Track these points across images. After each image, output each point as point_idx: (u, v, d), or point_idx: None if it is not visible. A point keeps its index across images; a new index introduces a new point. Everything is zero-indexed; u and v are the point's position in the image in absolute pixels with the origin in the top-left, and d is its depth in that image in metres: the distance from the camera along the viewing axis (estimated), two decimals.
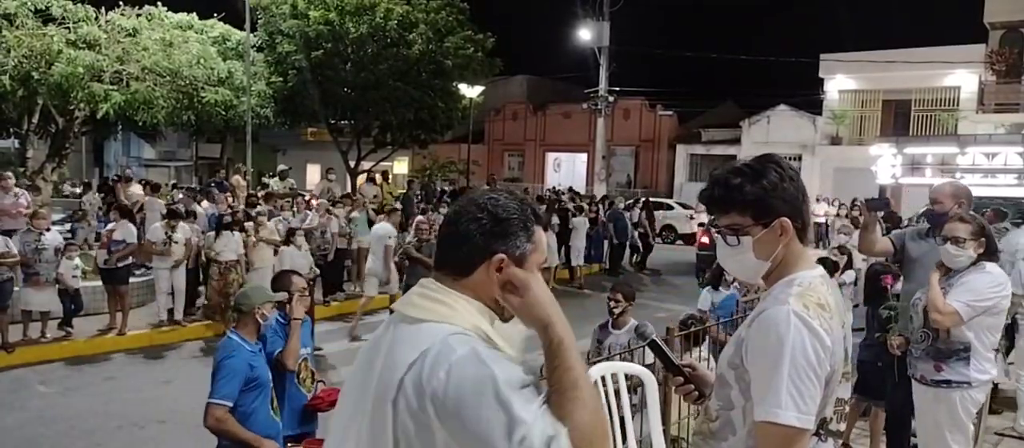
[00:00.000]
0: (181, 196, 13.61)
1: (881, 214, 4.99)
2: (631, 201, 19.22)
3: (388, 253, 10.02)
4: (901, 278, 4.72)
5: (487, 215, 1.46)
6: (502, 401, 1.27)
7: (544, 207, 14.91)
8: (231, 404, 3.68)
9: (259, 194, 13.61)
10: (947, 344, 3.78)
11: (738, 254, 1.83)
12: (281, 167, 16.86)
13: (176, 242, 9.49)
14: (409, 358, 1.35)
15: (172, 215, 9.89)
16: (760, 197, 1.78)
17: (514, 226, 1.47)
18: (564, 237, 14.68)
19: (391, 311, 1.58)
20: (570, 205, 16.23)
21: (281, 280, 4.31)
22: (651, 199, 20.53)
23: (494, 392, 1.28)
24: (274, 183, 15.27)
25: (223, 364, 3.71)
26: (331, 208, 11.80)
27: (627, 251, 16.49)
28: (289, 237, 9.99)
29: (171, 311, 9.72)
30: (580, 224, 14.76)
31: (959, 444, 3.65)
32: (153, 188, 13.76)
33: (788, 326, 1.68)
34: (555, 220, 14.47)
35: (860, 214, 4.85)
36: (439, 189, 22.46)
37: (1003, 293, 3.59)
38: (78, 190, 19.24)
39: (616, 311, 5.05)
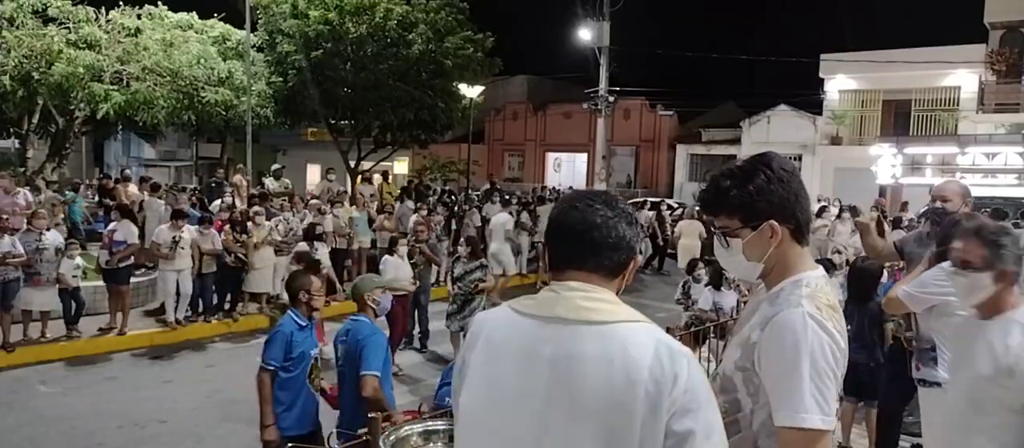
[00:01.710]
0: (184, 196, 13.59)
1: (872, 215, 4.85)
2: (639, 203, 19.08)
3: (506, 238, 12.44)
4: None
5: (635, 221, 1.60)
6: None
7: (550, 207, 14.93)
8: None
9: (256, 194, 13.60)
10: (919, 342, 3.79)
11: (731, 255, 1.87)
12: (276, 166, 16.82)
13: (182, 247, 9.38)
14: (643, 357, 1.42)
15: (177, 216, 9.72)
16: (746, 201, 1.79)
17: (641, 228, 1.64)
18: None
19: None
20: None
21: (297, 280, 4.54)
22: (651, 199, 20.52)
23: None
24: (270, 182, 15.25)
25: (374, 340, 4.18)
26: (330, 208, 11.80)
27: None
28: (311, 237, 10.19)
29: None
30: None
31: None
32: (153, 188, 13.74)
33: (805, 329, 1.68)
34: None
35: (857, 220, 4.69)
36: (440, 189, 22.46)
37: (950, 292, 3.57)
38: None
39: None
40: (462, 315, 8.19)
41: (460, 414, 1.62)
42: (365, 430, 3.13)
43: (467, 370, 1.59)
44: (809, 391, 1.64)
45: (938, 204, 4.04)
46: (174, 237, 9.35)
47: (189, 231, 9.66)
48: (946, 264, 3.62)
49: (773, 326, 1.73)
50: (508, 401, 1.51)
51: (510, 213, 13.81)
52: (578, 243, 1.55)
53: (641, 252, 14.83)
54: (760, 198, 1.78)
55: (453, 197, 19.00)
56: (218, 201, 12.71)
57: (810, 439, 1.65)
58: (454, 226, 14.80)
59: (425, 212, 12.78)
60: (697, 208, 16.60)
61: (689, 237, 14.43)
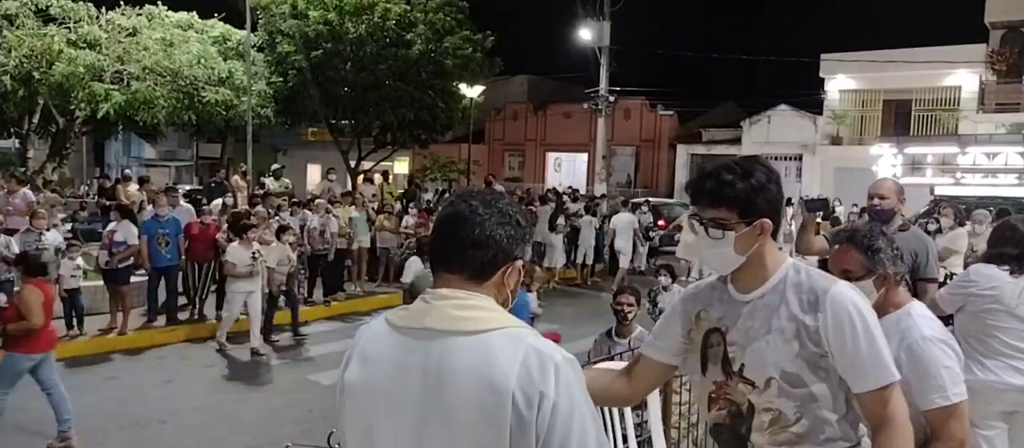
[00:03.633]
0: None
1: (820, 215, 4.89)
2: (638, 203, 19.05)
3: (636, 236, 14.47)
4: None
5: (512, 222, 1.51)
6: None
7: (551, 207, 14.97)
8: None
9: (258, 194, 13.59)
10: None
11: (719, 247, 1.89)
12: (275, 165, 16.82)
13: (264, 262, 8.95)
14: (511, 368, 1.36)
15: (244, 230, 9.07)
16: (748, 196, 1.85)
17: (528, 233, 1.55)
18: (572, 237, 14.78)
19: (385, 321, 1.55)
20: (576, 205, 16.22)
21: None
22: (651, 199, 20.48)
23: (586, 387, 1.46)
24: (270, 182, 15.25)
25: None
26: (331, 208, 11.78)
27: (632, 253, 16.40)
28: (280, 234, 9.66)
29: (174, 310, 9.72)
30: (586, 224, 14.80)
31: None
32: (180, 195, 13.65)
33: (861, 298, 1.87)
34: (561, 221, 14.51)
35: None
36: (439, 189, 22.46)
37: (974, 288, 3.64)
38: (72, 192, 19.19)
39: (630, 315, 4.81)
40: None
41: (341, 434, 1.58)
42: None
43: (344, 390, 1.54)
44: (885, 352, 1.84)
45: (875, 201, 4.13)
46: (253, 253, 8.83)
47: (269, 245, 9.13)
48: (982, 266, 3.61)
49: (833, 303, 1.82)
50: (384, 420, 1.46)
51: None
52: (444, 241, 1.52)
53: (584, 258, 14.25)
54: (760, 195, 1.86)
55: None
56: (217, 201, 12.69)
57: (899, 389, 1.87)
58: None
59: (416, 213, 12.80)
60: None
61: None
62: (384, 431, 1.47)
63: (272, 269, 9.24)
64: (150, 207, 11.03)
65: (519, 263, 1.53)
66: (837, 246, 2.59)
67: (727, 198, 1.86)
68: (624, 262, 14.15)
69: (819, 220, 4.96)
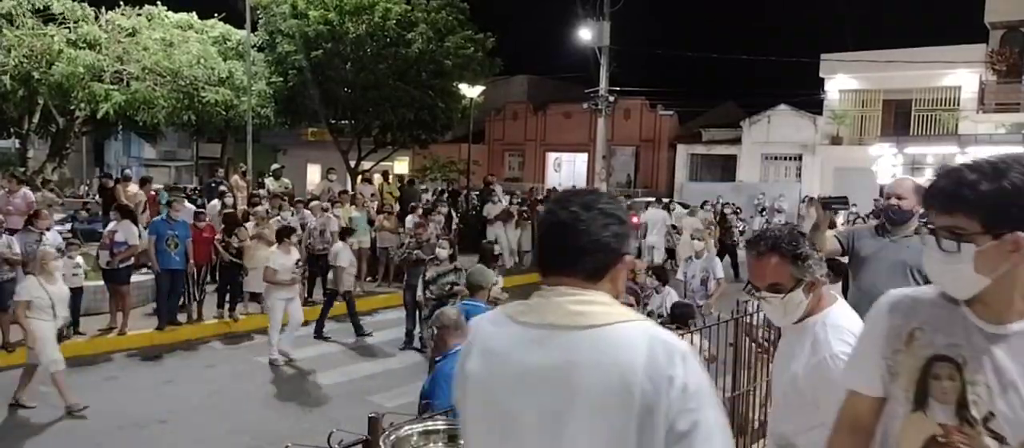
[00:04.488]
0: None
1: (839, 214, 4.71)
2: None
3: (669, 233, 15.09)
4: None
5: (616, 221, 1.53)
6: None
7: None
8: None
9: (261, 194, 13.59)
10: None
11: (952, 263, 1.52)
12: (275, 165, 16.83)
13: (303, 268, 8.82)
14: (637, 357, 1.40)
15: (286, 234, 8.93)
16: (996, 201, 1.45)
17: (630, 227, 1.60)
18: None
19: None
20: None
21: None
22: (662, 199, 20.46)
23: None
24: (270, 182, 15.25)
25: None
26: (331, 207, 11.78)
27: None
28: (282, 237, 9.31)
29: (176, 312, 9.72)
30: None
31: None
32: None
33: None
34: None
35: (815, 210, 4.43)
36: (438, 190, 22.45)
37: None
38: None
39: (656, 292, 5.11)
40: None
41: (464, 424, 1.63)
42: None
43: (467, 381, 1.58)
44: None
45: (893, 201, 3.95)
46: (298, 261, 8.71)
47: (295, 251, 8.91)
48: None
49: None
50: (510, 411, 1.50)
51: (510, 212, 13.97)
52: (553, 250, 1.55)
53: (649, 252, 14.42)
54: (1014, 201, 1.45)
55: (453, 197, 18.98)
56: (215, 201, 12.70)
57: None
58: (454, 225, 14.79)
59: (420, 213, 12.79)
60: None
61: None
62: (510, 422, 1.50)
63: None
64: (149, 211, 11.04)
65: (627, 258, 1.59)
66: (754, 256, 2.33)
67: (968, 201, 1.48)
68: (658, 257, 14.47)
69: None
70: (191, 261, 9.67)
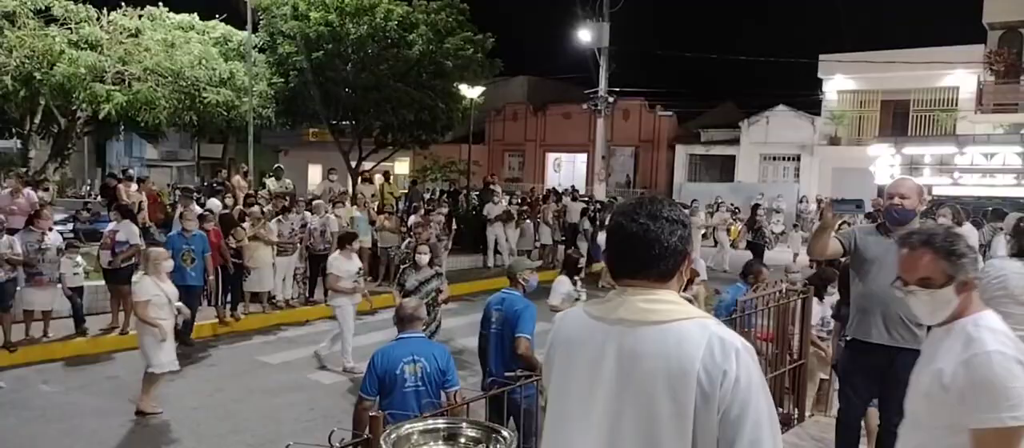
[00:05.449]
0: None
1: (854, 216, 4.70)
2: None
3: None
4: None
5: (680, 225, 1.70)
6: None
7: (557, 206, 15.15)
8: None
9: (263, 195, 13.62)
10: None
11: None
12: (276, 166, 16.89)
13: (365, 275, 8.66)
14: (696, 351, 1.58)
15: (348, 240, 8.71)
16: None
17: (691, 228, 1.75)
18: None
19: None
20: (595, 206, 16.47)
21: None
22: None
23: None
24: (271, 182, 15.30)
25: (529, 310, 4.97)
26: (332, 208, 11.83)
27: None
28: (344, 243, 8.94)
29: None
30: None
31: None
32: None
33: None
34: (586, 225, 14.59)
35: (822, 214, 4.22)
36: (438, 190, 22.49)
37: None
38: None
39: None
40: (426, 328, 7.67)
41: (548, 401, 1.85)
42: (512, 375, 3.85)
43: (553, 366, 1.82)
44: None
45: (896, 201, 3.94)
46: (359, 269, 8.60)
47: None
48: (997, 259, 3.63)
49: None
50: (583, 394, 1.71)
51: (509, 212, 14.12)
52: (625, 259, 1.73)
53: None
54: None
55: (454, 197, 19.04)
56: (213, 201, 12.73)
57: None
58: (454, 226, 14.82)
59: (422, 212, 12.85)
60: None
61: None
62: (584, 402, 1.71)
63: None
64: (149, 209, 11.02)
65: (692, 255, 1.77)
66: (906, 250, 2.33)
67: None
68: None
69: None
70: (210, 277, 9.48)
